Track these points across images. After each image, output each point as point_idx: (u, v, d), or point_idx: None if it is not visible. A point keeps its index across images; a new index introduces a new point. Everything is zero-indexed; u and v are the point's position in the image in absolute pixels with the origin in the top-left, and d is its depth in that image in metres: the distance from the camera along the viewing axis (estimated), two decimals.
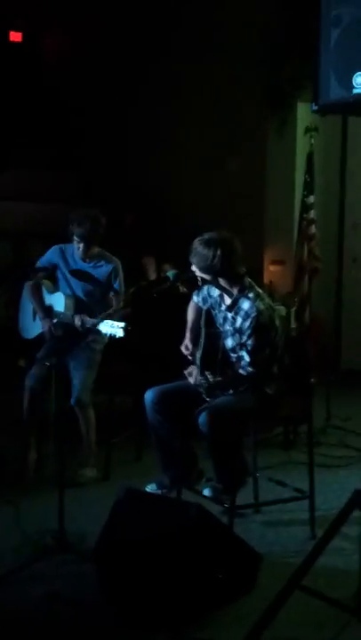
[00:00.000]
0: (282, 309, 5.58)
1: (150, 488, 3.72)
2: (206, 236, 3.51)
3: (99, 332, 3.65)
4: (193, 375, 3.62)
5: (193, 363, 3.70)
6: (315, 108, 2.64)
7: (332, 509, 3.06)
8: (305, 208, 5.73)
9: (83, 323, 4.00)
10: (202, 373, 3.54)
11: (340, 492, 4.02)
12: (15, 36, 8.74)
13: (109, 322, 3.52)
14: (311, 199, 5.71)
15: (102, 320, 3.58)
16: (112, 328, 3.44)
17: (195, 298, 3.81)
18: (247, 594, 2.99)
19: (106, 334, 3.53)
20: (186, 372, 3.66)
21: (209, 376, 3.49)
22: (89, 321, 3.94)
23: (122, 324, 3.41)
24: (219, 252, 3.43)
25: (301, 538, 3.56)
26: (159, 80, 7.64)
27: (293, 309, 5.61)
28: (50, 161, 8.60)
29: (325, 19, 2.54)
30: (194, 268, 3.54)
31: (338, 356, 6.85)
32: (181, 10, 7.35)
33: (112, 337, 3.51)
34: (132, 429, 4.59)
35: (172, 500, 3.51)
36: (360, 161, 6.73)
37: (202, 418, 3.37)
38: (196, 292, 3.81)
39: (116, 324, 3.47)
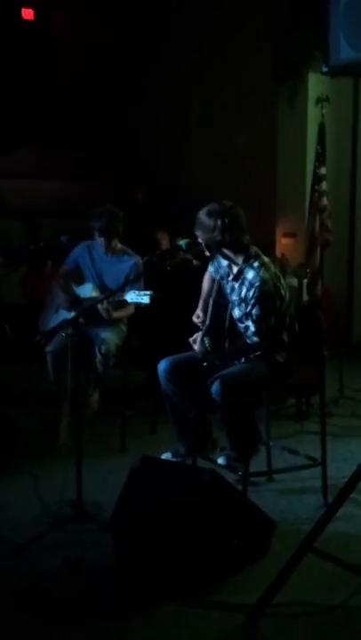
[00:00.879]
0: (294, 281, 5.60)
1: (166, 456, 3.78)
2: (208, 206, 3.56)
3: (125, 302, 3.69)
4: (196, 348, 3.67)
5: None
6: (325, 69, 2.65)
7: (344, 478, 3.10)
8: (317, 179, 5.71)
9: (108, 311, 4.16)
10: (201, 340, 3.59)
11: (353, 460, 4.05)
12: (27, 14, 8.71)
13: (135, 292, 3.56)
14: (323, 170, 5.69)
15: (127, 292, 3.61)
16: (138, 297, 3.48)
17: (210, 268, 3.86)
18: (260, 559, 3.05)
19: (135, 302, 3.56)
20: (191, 340, 3.71)
21: (206, 341, 3.54)
22: (114, 295, 4.02)
23: (147, 292, 3.44)
24: (219, 222, 3.48)
25: (314, 505, 3.61)
26: (169, 54, 7.59)
27: (305, 281, 5.63)
28: (59, 139, 8.60)
29: None
30: (200, 240, 3.59)
31: (350, 327, 6.86)
32: None
33: (139, 305, 3.54)
34: (147, 403, 4.66)
35: (187, 466, 3.58)
36: None
37: (214, 387, 3.42)
38: (211, 262, 3.85)
39: (141, 292, 3.51)
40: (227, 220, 3.50)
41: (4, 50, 8.52)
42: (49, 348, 4.36)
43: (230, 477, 3.43)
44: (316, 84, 6.35)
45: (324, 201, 5.71)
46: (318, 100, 5.70)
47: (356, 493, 3.00)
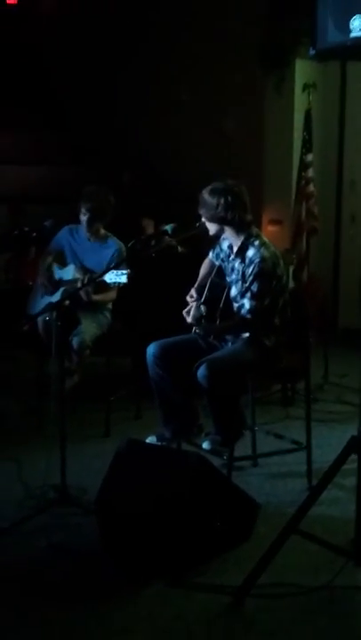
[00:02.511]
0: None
1: (150, 440, 3.77)
2: (212, 185, 3.61)
3: (104, 282, 3.68)
4: (190, 313, 3.66)
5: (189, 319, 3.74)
6: (312, 52, 2.63)
7: (329, 462, 3.10)
8: (303, 166, 5.71)
9: (87, 293, 4.16)
10: (197, 307, 3.59)
11: (337, 445, 3.96)
12: None
13: (113, 272, 3.55)
14: (310, 157, 5.70)
15: (105, 273, 3.60)
16: (116, 276, 3.47)
17: (210, 254, 3.89)
18: (245, 541, 3.06)
19: (113, 282, 3.55)
20: (184, 312, 3.70)
21: (203, 308, 3.56)
22: (93, 276, 4.03)
23: (125, 271, 3.43)
24: (222, 200, 3.52)
25: (299, 489, 3.62)
26: (155, 37, 7.53)
27: (291, 268, 5.63)
28: (44, 123, 8.52)
29: None
30: (203, 218, 3.59)
31: (335, 314, 6.87)
32: None
33: (117, 285, 3.53)
34: (131, 388, 4.64)
35: (172, 449, 3.58)
36: (359, 118, 6.67)
37: (201, 370, 3.42)
38: (212, 249, 3.87)
39: (118, 271, 3.50)
40: (230, 198, 3.53)
41: None
42: (40, 317, 4.33)
43: (215, 462, 3.43)
44: (303, 70, 6.33)
45: (311, 188, 5.72)
46: (305, 87, 5.69)
47: (339, 477, 3.00)
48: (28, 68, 8.37)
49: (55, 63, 8.48)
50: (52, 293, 4.49)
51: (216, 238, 3.77)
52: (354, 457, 2.87)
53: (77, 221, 4.58)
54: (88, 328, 4.41)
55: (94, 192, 4.48)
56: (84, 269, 4.48)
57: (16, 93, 8.09)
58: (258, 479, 3.74)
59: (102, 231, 4.59)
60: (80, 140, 8.25)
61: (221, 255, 3.78)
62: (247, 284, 3.53)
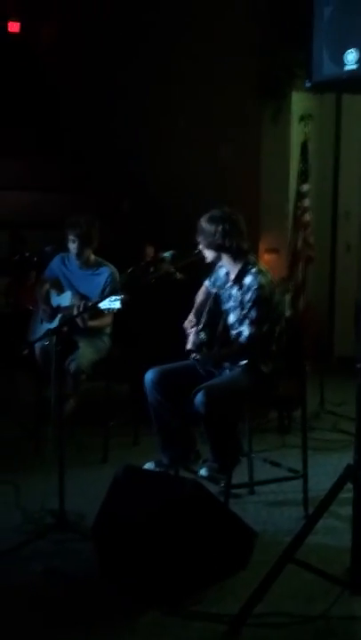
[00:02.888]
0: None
1: (148, 466, 3.79)
2: (210, 213, 3.67)
3: (98, 308, 3.73)
4: (190, 339, 3.70)
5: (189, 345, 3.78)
6: (308, 85, 2.68)
7: (325, 490, 3.13)
8: (299, 196, 5.81)
9: (83, 320, 4.18)
10: (197, 333, 3.64)
11: (333, 473, 4.04)
12: (13, 27, 8.76)
13: (107, 299, 3.60)
14: (306, 187, 5.80)
15: (101, 301, 3.66)
16: (110, 303, 3.52)
17: (206, 283, 3.93)
18: (242, 570, 3.07)
19: (107, 308, 3.60)
20: (187, 326, 3.76)
21: (202, 335, 3.60)
22: (88, 304, 4.09)
23: (119, 297, 3.48)
24: (220, 228, 3.58)
25: (295, 517, 3.64)
26: (153, 67, 7.65)
27: (288, 296, 5.69)
28: (44, 149, 8.62)
29: None
30: (200, 245, 3.65)
31: (331, 342, 6.92)
32: None
33: (112, 310, 3.58)
34: (129, 414, 4.66)
35: (169, 476, 3.59)
36: (353, 149, 6.78)
37: (198, 397, 3.45)
38: (208, 277, 3.91)
39: (112, 297, 3.55)
40: (227, 226, 3.59)
41: None
42: (37, 343, 4.36)
43: (212, 489, 3.44)
44: (299, 101, 6.44)
45: (307, 217, 5.82)
46: (302, 118, 5.79)
47: (336, 505, 3.03)
48: (29, 95, 8.49)
49: (56, 90, 8.62)
50: (50, 319, 4.53)
51: (213, 265, 3.82)
52: (350, 486, 2.91)
53: (67, 248, 4.60)
54: (85, 353, 4.44)
55: (79, 218, 4.51)
56: (80, 295, 4.52)
57: (17, 120, 8.18)
58: (255, 507, 3.76)
59: (92, 257, 4.61)
60: (80, 166, 8.36)
61: (218, 283, 3.83)
62: (245, 311, 3.58)
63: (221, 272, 3.80)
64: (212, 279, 3.88)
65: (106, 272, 4.56)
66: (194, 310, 3.89)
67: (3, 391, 5.07)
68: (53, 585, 3.02)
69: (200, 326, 3.75)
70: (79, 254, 4.53)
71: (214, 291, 3.84)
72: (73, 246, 4.52)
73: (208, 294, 3.88)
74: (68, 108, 8.48)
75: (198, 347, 3.64)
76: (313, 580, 2.90)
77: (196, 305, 3.92)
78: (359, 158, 6.72)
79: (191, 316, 3.85)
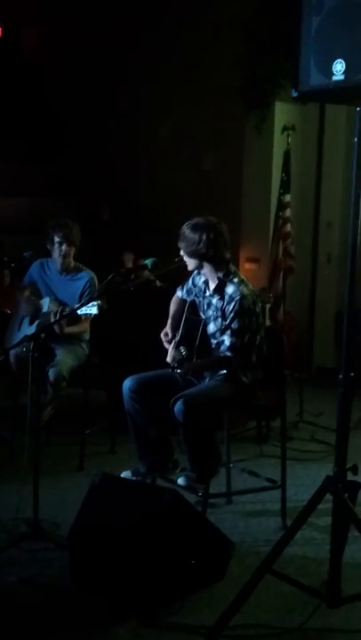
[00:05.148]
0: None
1: (125, 475, 3.74)
2: (194, 220, 3.63)
3: (75, 314, 3.70)
4: (169, 353, 3.68)
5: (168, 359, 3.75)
6: (295, 94, 2.66)
7: (303, 501, 3.11)
8: (281, 206, 5.80)
9: (60, 326, 4.15)
10: (177, 348, 3.61)
11: (312, 484, 4.07)
12: None
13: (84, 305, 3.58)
14: (287, 197, 5.78)
15: (79, 308, 3.63)
16: (86, 308, 3.49)
17: (178, 292, 3.89)
18: (219, 581, 3.03)
19: (84, 314, 3.57)
20: (164, 343, 3.73)
21: (183, 350, 3.57)
22: (66, 309, 4.05)
23: (95, 302, 3.45)
24: (204, 236, 3.54)
25: (273, 528, 3.62)
26: (138, 76, 7.66)
27: (268, 306, 5.67)
28: (28, 155, 8.58)
29: (307, 6, 2.56)
30: (182, 252, 3.63)
31: (310, 353, 6.93)
32: (161, 8, 7.38)
33: (89, 316, 3.55)
34: (106, 422, 4.62)
35: (146, 485, 3.55)
36: (336, 160, 6.81)
37: (177, 406, 3.41)
38: (180, 286, 3.87)
39: (90, 303, 3.52)
40: (212, 235, 3.56)
41: None
42: (12, 351, 4.31)
43: (190, 498, 3.41)
44: (282, 112, 6.47)
45: (288, 228, 5.80)
46: (285, 129, 5.79)
47: (314, 517, 3.00)
48: (16, 104, 8.45)
49: (42, 99, 8.59)
50: (29, 325, 4.48)
51: (192, 272, 3.79)
52: (327, 496, 2.88)
53: (48, 254, 4.58)
54: (65, 360, 4.39)
55: (66, 220, 4.50)
56: (59, 301, 4.47)
57: (4, 127, 8.15)
58: (232, 517, 3.73)
59: (73, 263, 4.59)
60: (62, 173, 8.33)
61: (195, 290, 3.79)
62: (227, 322, 3.55)
63: (198, 280, 3.76)
64: (187, 287, 3.84)
65: (85, 277, 4.54)
66: (169, 321, 3.85)
67: None
68: (27, 594, 2.97)
69: (178, 338, 3.71)
70: (65, 256, 4.50)
71: (190, 299, 3.80)
72: (59, 249, 4.48)
73: (182, 303, 3.84)
74: (55, 116, 8.46)
75: (179, 362, 3.60)
76: (291, 591, 2.87)
77: (170, 315, 3.88)
78: (341, 169, 6.76)
79: (168, 328, 3.81)
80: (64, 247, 4.48)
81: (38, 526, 3.31)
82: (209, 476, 3.56)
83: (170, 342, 3.75)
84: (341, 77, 2.51)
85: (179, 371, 3.57)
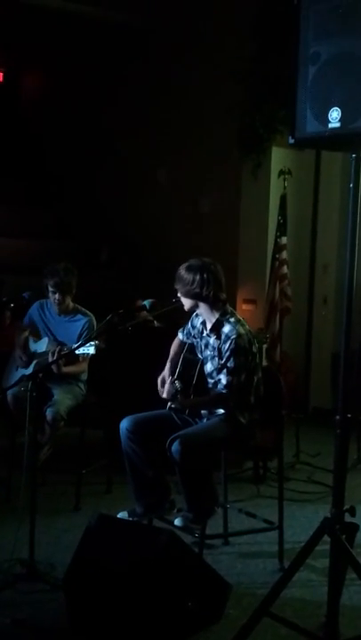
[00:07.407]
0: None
1: (122, 515, 3.73)
2: (189, 262, 3.69)
3: (73, 354, 3.73)
4: (165, 389, 3.70)
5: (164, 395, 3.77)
6: (291, 141, 2.73)
7: (301, 542, 3.10)
8: (278, 249, 5.88)
9: (58, 366, 4.16)
10: (172, 382, 3.63)
11: (309, 525, 4.06)
12: None
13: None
14: (284, 240, 5.87)
15: (77, 348, 3.68)
16: (84, 348, 3.53)
17: (180, 335, 3.94)
18: (216, 623, 3.01)
19: (82, 354, 3.60)
20: (159, 380, 3.75)
21: (177, 384, 3.59)
22: (64, 348, 4.09)
23: (93, 343, 3.48)
24: (198, 277, 3.60)
25: (270, 570, 3.59)
26: (135, 119, 7.80)
27: (265, 347, 5.70)
28: (27, 197, 8.69)
29: (304, 56, 2.64)
30: (179, 293, 3.68)
31: (307, 394, 6.94)
32: (156, 51, 7.55)
33: (86, 355, 3.58)
34: (103, 461, 4.61)
35: (143, 526, 3.53)
36: (331, 204, 6.92)
37: (174, 446, 3.42)
38: (181, 329, 3.92)
39: (87, 343, 3.55)
40: (205, 275, 3.61)
41: None
42: (10, 390, 4.32)
43: (187, 539, 3.40)
44: (279, 157, 6.58)
45: (285, 269, 5.87)
46: (281, 173, 5.89)
47: (311, 558, 2.99)
48: (15, 147, 8.58)
49: (41, 143, 8.74)
50: (26, 367, 4.51)
51: (190, 314, 3.83)
52: (325, 538, 2.88)
53: (46, 295, 4.63)
54: (63, 399, 4.41)
55: (57, 267, 4.53)
56: (57, 342, 4.51)
57: (1, 168, 8.26)
58: (229, 558, 3.71)
59: (71, 304, 4.64)
60: (61, 215, 8.43)
61: (193, 332, 3.83)
62: (223, 361, 3.58)
63: (197, 321, 3.81)
64: (186, 330, 3.88)
65: (83, 319, 4.59)
66: (168, 364, 3.88)
67: None
68: (22, 636, 2.94)
69: (175, 376, 3.74)
70: (59, 303, 4.56)
71: (189, 341, 3.85)
72: (54, 296, 4.56)
73: (182, 346, 3.88)
74: (52, 159, 8.60)
75: (173, 395, 3.63)
76: (288, 634, 2.85)
77: (169, 358, 3.92)
78: (337, 213, 6.86)
79: (165, 372, 3.85)
80: (57, 295, 4.54)
81: (34, 567, 3.29)
82: (206, 516, 3.55)
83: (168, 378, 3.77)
84: (337, 125, 2.58)
85: (173, 406, 3.59)
